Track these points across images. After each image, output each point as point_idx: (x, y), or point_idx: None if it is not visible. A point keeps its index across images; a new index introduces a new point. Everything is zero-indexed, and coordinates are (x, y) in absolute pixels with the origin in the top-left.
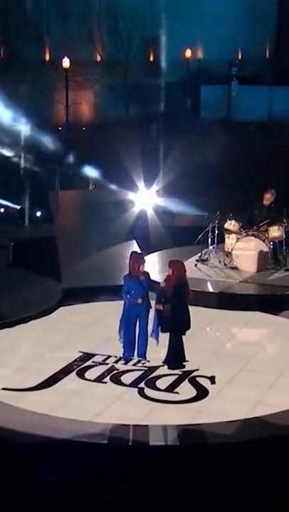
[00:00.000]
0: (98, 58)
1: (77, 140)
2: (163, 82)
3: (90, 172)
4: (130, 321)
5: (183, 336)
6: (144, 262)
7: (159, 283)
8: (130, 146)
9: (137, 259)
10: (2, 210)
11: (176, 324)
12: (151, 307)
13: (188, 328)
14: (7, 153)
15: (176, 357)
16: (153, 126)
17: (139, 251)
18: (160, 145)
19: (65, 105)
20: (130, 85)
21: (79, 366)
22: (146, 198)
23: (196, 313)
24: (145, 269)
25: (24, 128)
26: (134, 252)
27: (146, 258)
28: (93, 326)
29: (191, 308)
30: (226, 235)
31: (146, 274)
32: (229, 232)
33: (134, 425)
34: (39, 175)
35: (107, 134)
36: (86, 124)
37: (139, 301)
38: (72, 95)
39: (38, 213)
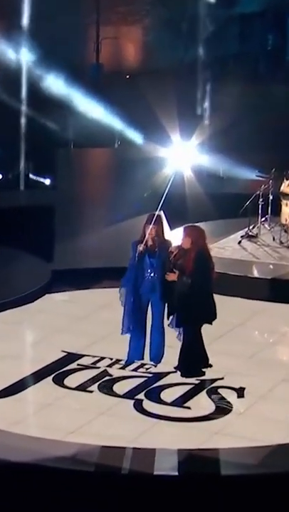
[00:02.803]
0: None
1: (108, 87)
2: (236, 13)
3: (118, 126)
4: (138, 309)
5: (210, 334)
6: (156, 225)
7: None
8: (181, 99)
9: (147, 221)
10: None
11: (194, 312)
12: None
13: (213, 318)
14: (8, 100)
15: (192, 360)
16: (219, 73)
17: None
18: (224, 97)
19: (95, 41)
20: (191, 18)
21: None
22: (183, 155)
23: (234, 306)
24: (167, 238)
25: (36, 69)
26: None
27: (177, 233)
28: (87, 319)
29: (227, 299)
30: (283, 202)
31: (162, 245)
32: (287, 196)
33: (119, 447)
34: (48, 129)
35: (155, 82)
36: (130, 68)
37: (140, 248)
38: (112, 31)
39: (37, 177)
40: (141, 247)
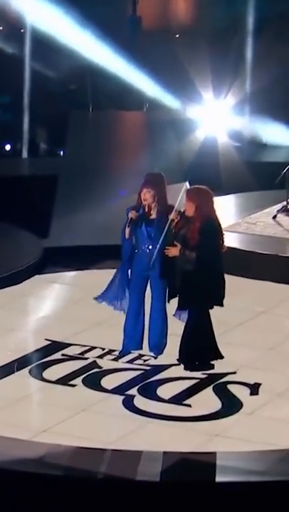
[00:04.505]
0: None
1: (145, 45)
2: None
3: (149, 89)
4: (134, 289)
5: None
6: (154, 187)
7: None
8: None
9: (143, 183)
10: (8, 147)
11: (199, 293)
12: None
13: (221, 299)
14: (23, 59)
15: (197, 350)
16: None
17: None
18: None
19: None
20: None
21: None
22: (217, 117)
23: (261, 290)
24: (170, 203)
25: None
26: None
27: None
28: (81, 303)
29: (253, 282)
30: None
31: (162, 211)
32: None
33: (97, 449)
34: (68, 91)
35: (198, 40)
36: (174, 24)
37: (130, 215)
38: None
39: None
40: (132, 214)
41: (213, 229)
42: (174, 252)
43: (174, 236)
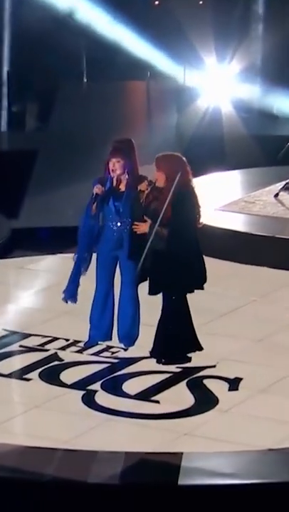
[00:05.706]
0: None
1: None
2: None
3: (151, 57)
4: (101, 272)
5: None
6: (123, 156)
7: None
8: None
9: (111, 152)
10: None
11: (174, 275)
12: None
13: (201, 282)
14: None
15: (172, 340)
16: None
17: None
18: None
19: None
20: None
21: None
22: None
23: (255, 276)
24: (141, 174)
25: None
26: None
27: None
28: (48, 290)
29: (247, 268)
30: None
31: (132, 184)
32: None
33: (48, 448)
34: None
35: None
36: None
37: (96, 190)
38: None
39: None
40: (98, 190)
41: (186, 202)
42: (143, 228)
43: (144, 211)
